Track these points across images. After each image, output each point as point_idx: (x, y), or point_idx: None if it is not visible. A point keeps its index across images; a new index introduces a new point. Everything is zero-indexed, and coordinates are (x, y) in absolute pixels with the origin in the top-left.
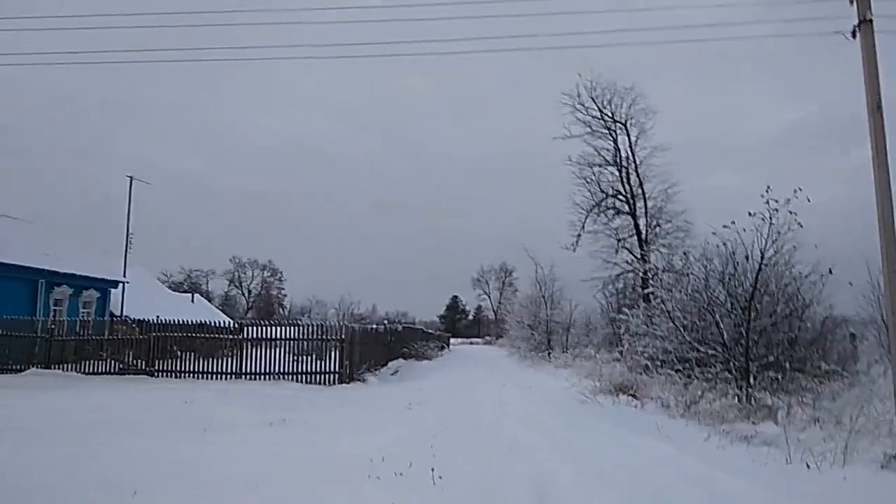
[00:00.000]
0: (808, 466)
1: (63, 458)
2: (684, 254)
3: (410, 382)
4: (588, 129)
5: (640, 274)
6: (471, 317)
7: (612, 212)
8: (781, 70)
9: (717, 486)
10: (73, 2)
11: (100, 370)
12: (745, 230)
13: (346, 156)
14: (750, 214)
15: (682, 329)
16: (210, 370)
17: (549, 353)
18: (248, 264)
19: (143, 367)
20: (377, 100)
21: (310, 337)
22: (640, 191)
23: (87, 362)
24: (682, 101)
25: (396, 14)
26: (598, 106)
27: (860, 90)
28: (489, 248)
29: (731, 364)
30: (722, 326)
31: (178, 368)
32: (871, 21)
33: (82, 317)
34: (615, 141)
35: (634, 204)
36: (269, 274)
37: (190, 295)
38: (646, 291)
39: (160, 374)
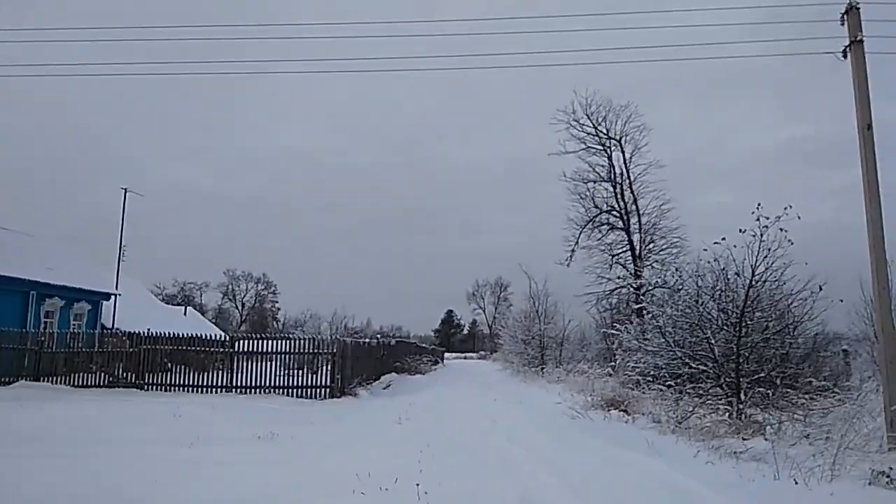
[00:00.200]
0: (795, 482)
1: (44, 473)
2: (676, 269)
3: (402, 397)
4: (583, 146)
5: (633, 289)
6: (466, 331)
7: (606, 227)
8: (776, 89)
9: (704, 501)
10: (64, 13)
11: (89, 383)
12: (735, 246)
13: (342, 170)
14: (741, 231)
15: (673, 345)
16: (201, 384)
17: (542, 368)
18: (241, 277)
19: (133, 380)
20: (374, 113)
21: (302, 351)
22: (634, 207)
23: (77, 375)
24: (677, 119)
25: (399, 29)
26: (592, 123)
27: (853, 109)
28: (485, 262)
29: (723, 380)
30: (713, 342)
31: (168, 382)
32: (861, 41)
33: (73, 329)
34: (610, 157)
35: (628, 220)
36: (262, 287)
37: (182, 308)
38: (637, 307)
39: (150, 387)
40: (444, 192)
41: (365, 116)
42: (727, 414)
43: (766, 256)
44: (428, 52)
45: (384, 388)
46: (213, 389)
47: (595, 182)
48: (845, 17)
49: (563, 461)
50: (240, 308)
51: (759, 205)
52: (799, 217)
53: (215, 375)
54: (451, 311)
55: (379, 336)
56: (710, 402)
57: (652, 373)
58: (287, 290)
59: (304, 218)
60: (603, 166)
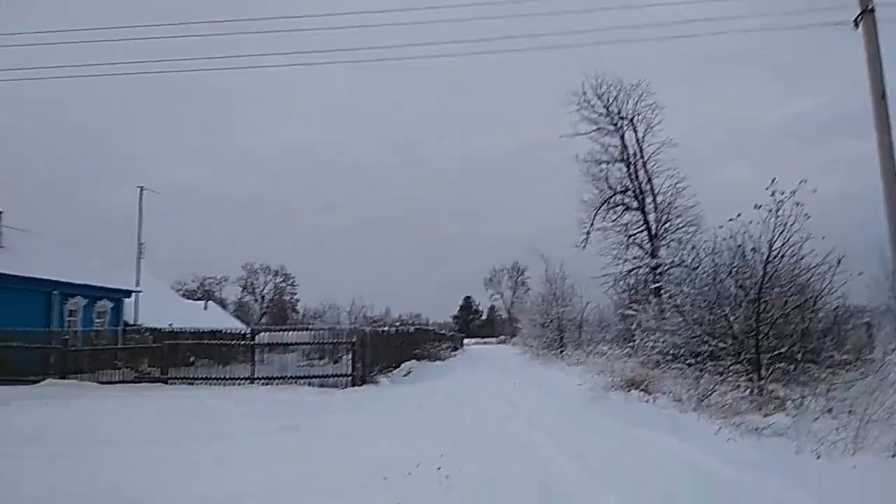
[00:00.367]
0: (817, 456)
1: (76, 470)
2: (692, 248)
3: (422, 383)
4: (595, 127)
5: (650, 269)
6: (484, 317)
7: (621, 208)
8: (791, 61)
9: (724, 478)
10: (64, 13)
11: (115, 379)
12: (751, 222)
13: (356, 160)
14: (756, 207)
15: (692, 323)
16: (224, 376)
17: (561, 351)
18: (260, 270)
19: (158, 375)
20: (386, 103)
21: (322, 341)
22: (648, 186)
23: (103, 372)
24: (691, 95)
25: (404, 17)
26: (603, 103)
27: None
28: (502, 247)
29: (743, 356)
30: (732, 319)
31: (192, 375)
32: (872, 10)
33: (96, 327)
34: (622, 137)
35: (643, 200)
36: (281, 279)
37: (203, 302)
38: (655, 286)
39: (175, 381)
40: (457, 180)
41: (376, 108)
42: (748, 390)
43: (782, 231)
44: (429, 40)
45: (404, 376)
46: (237, 382)
47: (608, 163)
48: None
49: (583, 444)
50: (259, 301)
51: (773, 179)
52: (815, 190)
53: (238, 368)
54: (468, 298)
55: (397, 324)
56: (730, 379)
57: (671, 352)
58: (305, 282)
59: (320, 210)
60: (616, 147)
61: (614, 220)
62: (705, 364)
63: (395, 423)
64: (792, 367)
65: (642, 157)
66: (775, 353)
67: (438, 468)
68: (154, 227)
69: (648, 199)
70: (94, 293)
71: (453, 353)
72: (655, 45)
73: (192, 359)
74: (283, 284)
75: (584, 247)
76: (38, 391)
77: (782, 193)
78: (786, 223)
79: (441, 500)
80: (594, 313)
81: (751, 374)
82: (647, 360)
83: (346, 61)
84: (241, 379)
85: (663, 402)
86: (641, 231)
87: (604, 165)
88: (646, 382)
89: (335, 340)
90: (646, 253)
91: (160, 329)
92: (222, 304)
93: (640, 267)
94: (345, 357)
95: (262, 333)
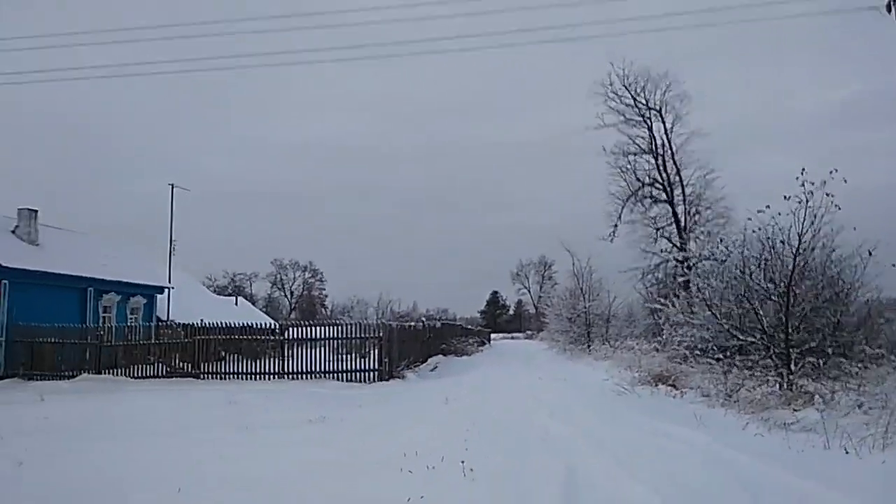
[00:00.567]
0: (846, 452)
1: (113, 460)
2: (720, 240)
3: (448, 378)
4: (622, 118)
5: (678, 262)
6: (511, 311)
7: (649, 200)
8: (830, 48)
9: (750, 473)
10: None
11: (148, 374)
12: (779, 213)
13: (383, 154)
14: (785, 198)
15: (720, 317)
16: (254, 371)
17: (588, 346)
18: (289, 266)
19: (190, 369)
20: (414, 97)
21: (349, 336)
22: (677, 178)
23: (136, 366)
24: (724, 84)
25: (431, 11)
26: (631, 94)
27: None
28: (529, 242)
29: (772, 351)
30: (761, 313)
31: (223, 370)
32: None
33: (130, 322)
34: (650, 128)
35: (672, 192)
36: (310, 275)
37: (234, 298)
38: (683, 279)
39: (206, 375)
40: (486, 172)
41: (403, 102)
42: (777, 385)
43: (812, 223)
44: (459, 33)
45: (431, 370)
46: (266, 376)
47: (636, 154)
48: None
49: (609, 437)
50: (289, 296)
51: (803, 170)
52: (845, 181)
53: (267, 362)
54: (496, 293)
55: (424, 319)
56: (759, 373)
57: (700, 346)
58: (334, 278)
59: (348, 206)
60: (643, 138)
61: (643, 213)
62: (734, 359)
63: (420, 417)
64: (822, 361)
65: (671, 148)
66: (805, 347)
67: (462, 461)
68: (186, 224)
69: (677, 192)
70: (127, 289)
71: (480, 349)
72: (689, 32)
73: (222, 354)
74: (312, 280)
75: (611, 240)
76: (75, 386)
77: (812, 184)
78: (815, 214)
79: (465, 490)
80: (622, 308)
81: (780, 368)
82: (675, 354)
83: (378, 56)
84: (271, 373)
85: (691, 397)
86: (670, 224)
87: (631, 157)
88: (673, 377)
89: (362, 335)
90: (674, 246)
91: (192, 324)
92: (252, 299)
93: (668, 260)
94: (372, 352)
95: (291, 329)
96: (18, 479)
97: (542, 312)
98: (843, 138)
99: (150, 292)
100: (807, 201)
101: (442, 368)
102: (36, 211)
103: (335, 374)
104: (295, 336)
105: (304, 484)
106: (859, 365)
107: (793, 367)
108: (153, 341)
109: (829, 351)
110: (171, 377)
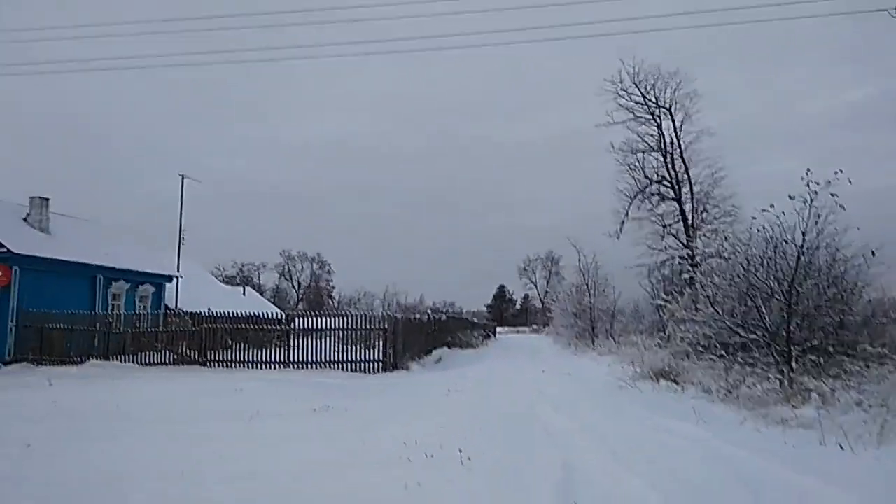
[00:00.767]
0: (841, 447)
1: (117, 447)
2: (725, 238)
3: (452, 370)
4: (631, 116)
5: (684, 260)
6: (518, 306)
7: (656, 198)
8: (840, 50)
9: (745, 467)
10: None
11: (155, 361)
12: (784, 213)
13: (392, 150)
14: (790, 197)
15: (723, 314)
16: (260, 360)
17: (592, 341)
18: (297, 257)
19: (196, 357)
20: (421, 94)
21: (355, 327)
22: (685, 176)
23: (144, 353)
24: (732, 84)
25: (437, 8)
26: (641, 91)
27: None
28: (537, 237)
29: (773, 348)
30: (764, 311)
31: (229, 359)
32: None
33: (139, 310)
34: (659, 126)
35: (680, 189)
36: (318, 266)
37: (242, 288)
38: (687, 276)
39: (212, 364)
40: (492, 168)
41: (411, 99)
42: (778, 382)
43: (816, 223)
44: (465, 30)
45: (436, 363)
46: (272, 365)
47: (644, 152)
48: None
49: (608, 430)
50: (296, 287)
51: (808, 170)
52: (850, 182)
53: (274, 352)
54: (502, 287)
55: (429, 311)
56: (760, 370)
57: (702, 343)
58: (341, 269)
59: (357, 199)
60: (652, 135)
61: (650, 210)
62: (736, 355)
63: (423, 408)
64: (824, 359)
65: (680, 146)
66: (807, 345)
67: (460, 450)
68: (196, 215)
69: (685, 189)
70: (136, 278)
71: (486, 342)
72: (699, 32)
73: (229, 342)
74: (320, 271)
75: (618, 237)
76: (82, 371)
77: (817, 184)
78: (819, 214)
79: (463, 479)
80: (628, 304)
81: (781, 366)
82: (678, 350)
83: (387, 52)
84: (276, 363)
85: (692, 393)
86: (677, 221)
87: (640, 154)
88: (675, 373)
89: (368, 327)
90: (681, 243)
91: (199, 313)
92: (260, 290)
93: (674, 258)
94: (377, 343)
95: (298, 319)
96: (28, 460)
97: (548, 307)
98: (846, 139)
99: (159, 281)
100: (811, 201)
101: (447, 361)
102: (48, 199)
103: (340, 365)
104: (301, 326)
105: (306, 471)
106: (860, 363)
107: (794, 364)
108: (161, 329)
109: (831, 349)
110: (178, 365)
